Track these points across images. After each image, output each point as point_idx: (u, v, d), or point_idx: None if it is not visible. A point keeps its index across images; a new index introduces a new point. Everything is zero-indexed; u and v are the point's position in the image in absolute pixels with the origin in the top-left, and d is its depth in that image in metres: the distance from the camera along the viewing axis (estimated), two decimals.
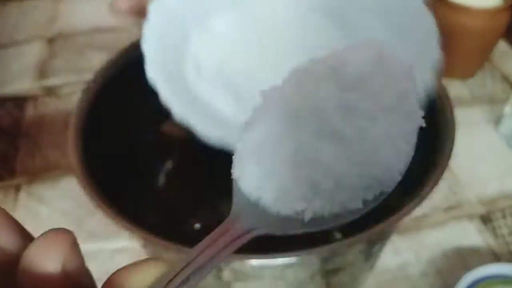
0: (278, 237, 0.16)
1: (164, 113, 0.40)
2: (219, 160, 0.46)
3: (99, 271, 0.47)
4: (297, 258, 0.25)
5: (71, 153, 0.30)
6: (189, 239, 0.42)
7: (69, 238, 0.15)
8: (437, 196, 0.47)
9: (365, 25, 0.36)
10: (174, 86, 0.33)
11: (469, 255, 0.42)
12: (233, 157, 0.18)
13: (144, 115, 0.39)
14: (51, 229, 0.15)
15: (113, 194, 0.33)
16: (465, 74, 0.61)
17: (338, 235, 0.42)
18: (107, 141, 0.35)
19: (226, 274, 0.27)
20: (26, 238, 0.16)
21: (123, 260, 0.42)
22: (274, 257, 0.25)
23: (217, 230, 0.16)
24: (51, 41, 0.71)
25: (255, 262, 0.25)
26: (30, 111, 0.59)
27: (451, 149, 0.29)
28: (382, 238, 0.32)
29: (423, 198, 0.27)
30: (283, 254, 0.28)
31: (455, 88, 0.60)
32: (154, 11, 0.35)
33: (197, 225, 0.44)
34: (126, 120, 0.37)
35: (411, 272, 0.41)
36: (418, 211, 0.45)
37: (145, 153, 0.41)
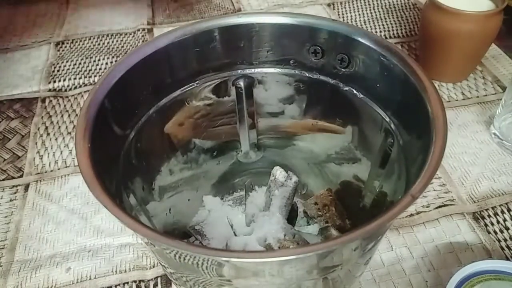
0: None
1: (168, 114, 0.42)
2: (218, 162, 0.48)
3: (106, 266, 0.48)
4: (294, 256, 0.25)
5: (77, 153, 0.30)
6: (190, 237, 0.43)
7: None
8: (431, 194, 0.48)
9: None
10: None
11: (461, 251, 0.43)
12: None
13: (149, 116, 0.40)
14: None
15: (117, 192, 0.34)
16: (458, 77, 0.62)
17: (334, 233, 0.43)
18: (113, 141, 0.36)
19: (227, 271, 0.28)
20: None
21: (129, 255, 0.44)
22: (273, 255, 0.26)
23: None
24: (59, 45, 0.73)
25: (254, 259, 0.26)
26: (38, 112, 0.61)
27: (443, 149, 0.30)
28: (376, 235, 0.32)
29: (416, 197, 0.27)
30: (281, 252, 0.29)
31: (448, 90, 0.61)
32: None
33: (198, 227, 0.45)
34: (131, 121, 0.38)
35: (405, 267, 0.42)
36: (412, 209, 0.46)
37: (148, 153, 0.41)
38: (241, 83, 0.43)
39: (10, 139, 0.57)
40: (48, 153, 0.55)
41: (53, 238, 0.46)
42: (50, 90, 0.64)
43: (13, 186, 0.51)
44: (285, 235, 0.40)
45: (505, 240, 0.44)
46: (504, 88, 0.60)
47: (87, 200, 0.49)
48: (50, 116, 0.60)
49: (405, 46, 0.69)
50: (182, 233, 0.44)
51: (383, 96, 0.38)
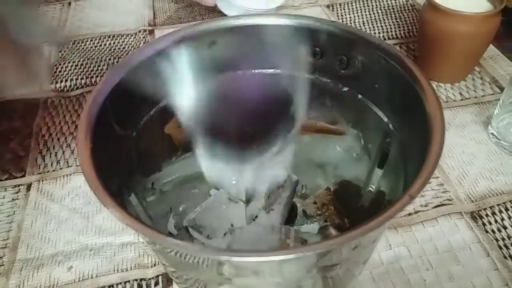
0: None
1: (168, 115, 0.42)
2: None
3: (108, 264, 0.49)
4: (294, 255, 0.25)
5: (79, 153, 0.30)
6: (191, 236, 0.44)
7: None
8: (429, 194, 0.48)
9: None
10: None
11: (459, 250, 0.43)
12: None
13: (150, 116, 0.40)
14: None
15: (119, 192, 0.35)
16: (456, 78, 0.62)
17: (333, 232, 0.43)
18: (114, 141, 0.36)
19: (227, 269, 0.28)
20: None
21: (130, 254, 0.44)
22: (273, 255, 0.26)
23: None
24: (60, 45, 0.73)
25: (254, 258, 0.26)
26: (40, 112, 0.61)
27: (441, 149, 0.30)
28: (375, 234, 0.33)
29: (414, 196, 0.27)
30: (281, 251, 0.30)
31: (446, 91, 0.61)
32: None
33: (191, 222, 0.44)
34: (133, 121, 0.39)
35: (404, 266, 0.42)
36: (410, 208, 0.47)
37: (150, 153, 0.42)
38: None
39: (12, 139, 0.57)
40: (50, 153, 0.55)
41: (55, 237, 0.46)
42: (52, 90, 0.65)
43: (15, 186, 0.52)
44: (284, 235, 0.40)
45: (503, 239, 0.44)
46: (502, 89, 0.61)
47: (89, 200, 0.50)
48: (52, 117, 0.60)
49: (403, 47, 0.70)
50: (184, 231, 0.45)
51: (381, 96, 0.39)
